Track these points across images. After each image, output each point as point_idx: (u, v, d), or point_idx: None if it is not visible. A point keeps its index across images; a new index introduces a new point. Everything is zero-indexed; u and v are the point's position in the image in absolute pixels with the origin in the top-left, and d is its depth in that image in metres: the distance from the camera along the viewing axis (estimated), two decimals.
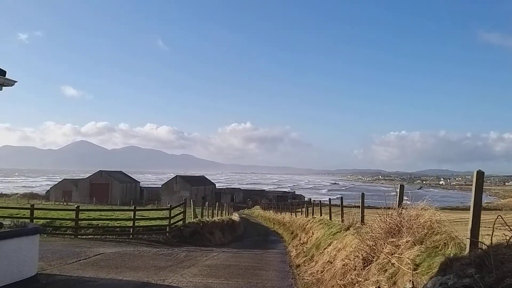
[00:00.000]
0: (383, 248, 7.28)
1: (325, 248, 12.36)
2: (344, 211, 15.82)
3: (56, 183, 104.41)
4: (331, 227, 14.73)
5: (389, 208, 8.36)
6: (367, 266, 7.70)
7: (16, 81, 6.60)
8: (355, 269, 8.07)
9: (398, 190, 8.73)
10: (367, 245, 8.05)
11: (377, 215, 8.41)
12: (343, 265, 9.00)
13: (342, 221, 15.21)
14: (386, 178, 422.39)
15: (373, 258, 7.57)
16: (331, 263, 10.61)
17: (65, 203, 69.51)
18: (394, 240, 7.05)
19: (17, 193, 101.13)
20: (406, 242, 6.68)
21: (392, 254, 6.81)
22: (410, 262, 6.00)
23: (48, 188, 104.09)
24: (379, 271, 6.86)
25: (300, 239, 20.59)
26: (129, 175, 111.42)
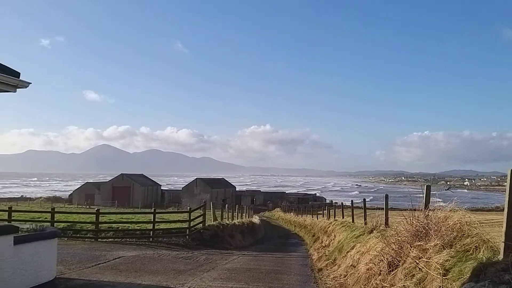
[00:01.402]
0: (409, 252, 6.94)
1: (348, 252, 12.01)
2: (367, 213, 15.44)
3: (79, 186, 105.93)
4: (354, 230, 14.36)
5: (415, 210, 8.01)
6: (392, 271, 7.36)
7: (30, 83, 6.51)
8: (380, 274, 7.74)
9: (424, 191, 8.35)
10: (392, 249, 7.71)
11: (402, 218, 8.07)
12: (367, 269, 8.67)
13: (365, 223, 14.84)
14: (409, 179, 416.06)
15: (399, 262, 7.24)
16: (354, 267, 10.27)
17: (87, 206, 70.42)
18: (422, 243, 6.69)
19: (40, 197, 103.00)
20: (434, 245, 6.33)
21: (420, 259, 6.47)
22: (439, 267, 5.66)
23: (71, 192, 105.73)
24: (405, 276, 6.53)
25: (322, 242, 20.23)
26: (150, 178, 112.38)
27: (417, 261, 6.44)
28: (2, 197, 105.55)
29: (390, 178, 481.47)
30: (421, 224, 7.08)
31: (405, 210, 8.51)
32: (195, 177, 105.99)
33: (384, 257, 7.81)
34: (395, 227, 8.40)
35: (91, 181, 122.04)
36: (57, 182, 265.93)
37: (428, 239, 6.67)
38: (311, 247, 21.75)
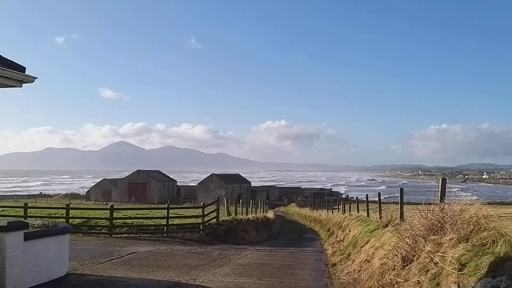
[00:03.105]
0: (424, 246, 6.75)
1: (362, 246, 11.82)
2: (382, 208, 15.18)
3: (96, 183, 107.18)
4: (369, 224, 14.15)
5: (430, 203, 7.79)
6: (406, 265, 7.17)
7: (36, 78, 6.45)
8: (394, 269, 7.56)
9: (439, 184, 8.13)
10: (407, 243, 7.52)
11: (417, 211, 7.87)
12: (381, 264, 8.48)
13: (380, 218, 14.60)
14: (426, 173, 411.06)
15: (413, 257, 7.04)
16: (369, 262, 10.09)
17: (104, 203, 71.17)
18: (437, 237, 6.49)
19: (59, 194, 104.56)
20: (450, 239, 6.12)
21: (435, 253, 6.27)
22: (455, 262, 5.46)
23: (89, 189, 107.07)
24: (420, 271, 6.34)
25: (336, 236, 20.04)
26: (166, 174, 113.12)
27: (432, 256, 6.24)
28: (22, 194, 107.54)
29: (407, 172, 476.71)
30: (436, 218, 6.87)
31: (420, 204, 8.29)
32: (211, 173, 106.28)
33: (398, 252, 7.62)
34: (410, 221, 8.18)
35: (108, 177, 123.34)
36: (75, 179, 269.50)
37: (443, 233, 6.47)
38: (326, 242, 21.58)
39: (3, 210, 23.03)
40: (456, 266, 5.33)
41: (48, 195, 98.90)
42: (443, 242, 6.20)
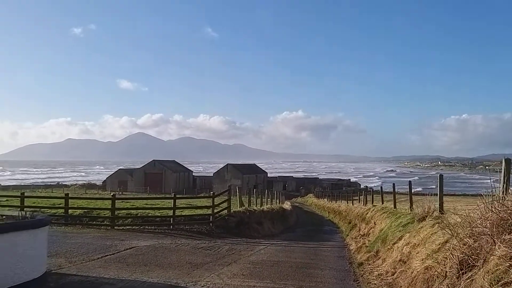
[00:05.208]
0: (493, 249, 5.00)
1: (394, 243, 10.06)
2: (403, 198, 13.37)
3: (112, 173, 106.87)
4: (399, 217, 12.31)
5: (488, 195, 5.96)
6: (465, 273, 5.41)
7: None
8: (445, 277, 5.81)
9: (503, 167, 6.32)
10: (464, 244, 5.75)
11: (464, 204, 6.13)
12: (425, 268, 6.74)
13: (411, 209, 12.80)
14: (446, 164, 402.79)
15: (476, 262, 5.29)
16: (405, 263, 8.35)
17: (120, 193, 70.49)
18: None
19: (75, 184, 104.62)
20: None
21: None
22: None
23: (105, 178, 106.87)
24: (491, 283, 4.60)
25: (359, 230, 18.26)
26: (182, 164, 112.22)
27: (509, 262, 4.51)
28: (39, 183, 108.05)
29: (426, 163, 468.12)
30: (509, 212, 5.11)
31: (453, 195, 6.54)
32: (226, 163, 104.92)
33: (452, 254, 5.87)
34: (466, 215, 6.38)
35: (124, 167, 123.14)
36: (94, 169, 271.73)
37: None
38: (348, 235, 19.80)
39: None
40: None
41: (65, 185, 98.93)
42: None
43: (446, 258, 6.05)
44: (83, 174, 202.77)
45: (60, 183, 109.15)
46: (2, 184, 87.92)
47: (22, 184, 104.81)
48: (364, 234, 16.21)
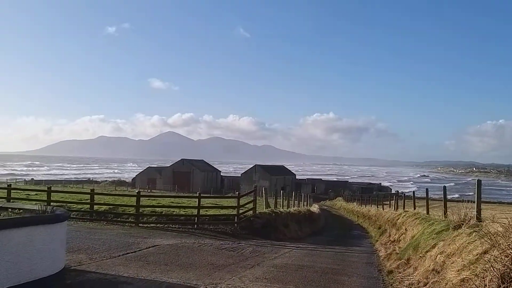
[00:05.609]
0: None
1: (426, 251, 9.46)
2: (437, 204, 12.67)
3: (142, 171, 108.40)
4: (433, 224, 11.65)
5: None
6: (507, 287, 4.91)
7: None
8: None
9: None
10: (507, 255, 5.23)
11: (503, 211, 5.58)
12: (462, 280, 6.20)
13: (445, 216, 12.14)
14: (481, 170, 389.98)
15: None
16: (438, 273, 7.80)
17: (149, 190, 71.32)
18: None
19: (105, 180, 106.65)
20: None
21: None
22: None
23: (134, 176, 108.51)
24: None
25: (389, 235, 17.58)
26: (210, 164, 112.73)
27: None
28: (72, 179, 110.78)
29: (460, 169, 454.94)
30: None
31: (488, 202, 5.97)
32: (254, 164, 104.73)
33: (492, 266, 5.34)
34: (507, 223, 5.83)
35: (154, 166, 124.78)
36: (127, 166, 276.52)
37: None
38: (377, 241, 19.12)
39: (28, 195, 22.14)
40: None
41: (96, 182, 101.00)
42: None
43: (485, 270, 5.53)
44: (116, 171, 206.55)
45: (91, 179, 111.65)
46: (35, 179, 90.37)
47: (56, 179, 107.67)
48: (394, 240, 15.55)
